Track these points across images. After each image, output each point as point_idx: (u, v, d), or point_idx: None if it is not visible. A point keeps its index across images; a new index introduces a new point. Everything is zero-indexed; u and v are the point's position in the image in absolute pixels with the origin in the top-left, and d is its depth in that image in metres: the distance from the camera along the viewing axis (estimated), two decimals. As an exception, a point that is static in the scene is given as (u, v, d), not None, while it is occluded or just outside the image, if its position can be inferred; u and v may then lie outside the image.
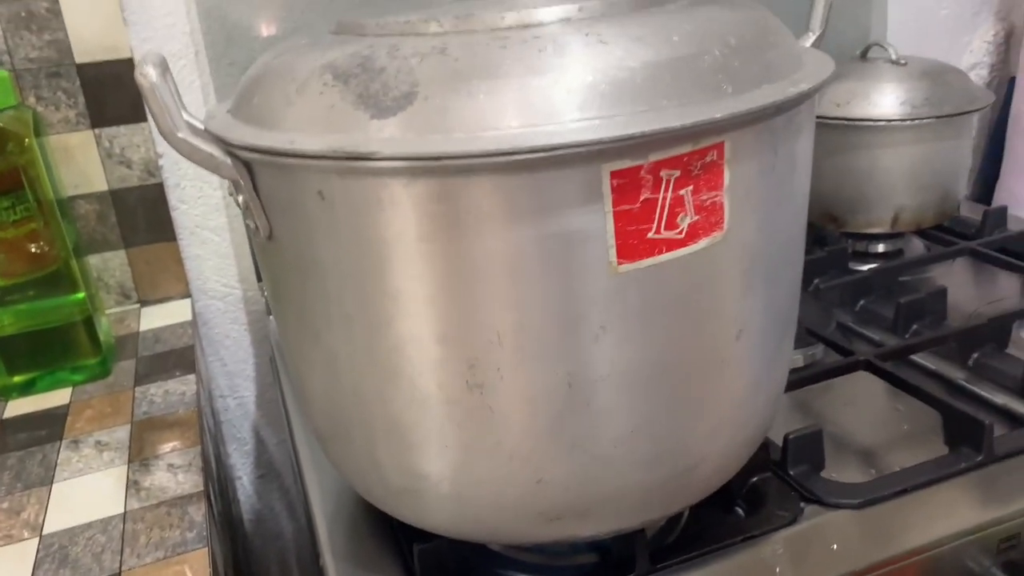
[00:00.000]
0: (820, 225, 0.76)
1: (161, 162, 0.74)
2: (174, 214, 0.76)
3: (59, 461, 0.54)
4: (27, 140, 0.59)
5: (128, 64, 0.69)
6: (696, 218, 0.33)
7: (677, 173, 0.32)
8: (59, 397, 0.62)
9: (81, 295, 0.64)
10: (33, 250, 0.63)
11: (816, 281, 0.70)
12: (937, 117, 0.68)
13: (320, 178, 0.32)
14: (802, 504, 0.45)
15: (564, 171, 0.30)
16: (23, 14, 0.66)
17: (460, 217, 0.31)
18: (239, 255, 0.79)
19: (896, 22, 0.96)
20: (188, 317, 0.74)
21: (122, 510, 0.49)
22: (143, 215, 0.74)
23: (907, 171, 0.71)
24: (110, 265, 0.75)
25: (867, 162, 0.71)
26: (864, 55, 0.76)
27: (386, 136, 0.31)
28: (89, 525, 0.48)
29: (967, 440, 0.48)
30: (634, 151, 0.30)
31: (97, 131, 0.71)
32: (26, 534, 0.48)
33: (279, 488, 0.90)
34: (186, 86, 0.72)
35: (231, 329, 0.82)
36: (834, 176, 0.73)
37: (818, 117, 0.67)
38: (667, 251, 0.33)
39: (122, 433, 0.57)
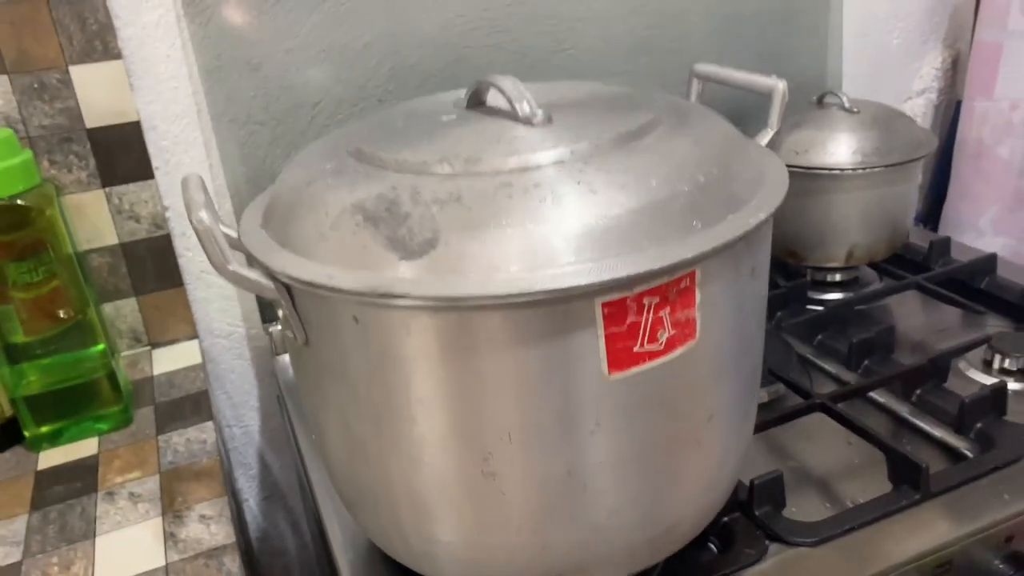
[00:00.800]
0: (782, 259, 0.83)
1: (167, 215, 0.78)
2: (181, 261, 0.81)
3: (98, 514, 0.59)
4: (49, 213, 0.63)
5: (135, 127, 0.74)
6: (673, 332, 0.39)
7: (657, 299, 0.38)
8: (87, 447, 0.67)
9: (102, 346, 0.69)
10: (55, 307, 0.67)
11: (779, 315, 0.77)
12: (886, 166, 0.75)
13: (355, 307, 0.38)
14: (767, 542, 0.52)
15: (563, 305, 0.36)
16: (36, 85, 0.70)
17: (475, 342, 0.37)
18: (242, 297, 0.84)
19: (851, 52, 1.02)
20: (197, 359, 0.79)
21: (163, 562, 0.55)
22: (152, 264, 0.79)
23: (860, 213, 0.78)
24: (122, 312, 0.79)
25: (823, 205, 0.78)
26: (820, 101, 0.82)
27: (413, 277, 0.36)
28: (136, 578, 0.53)
29: (907, 479, 0.55)
30: (622, 286, 0.36)
31: (107, 190, 0.75)
32: (79, 588, 0.53)
33: (283, 508, 0.95)
34: (190, 143, 0.77)
35: (236, 364, 0.87)
36: (794, 216, 0.80)
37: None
38: (650, 360, 0.39)
39: (152, 484, 0.62)
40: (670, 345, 0.39)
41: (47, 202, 0.64)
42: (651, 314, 0.38)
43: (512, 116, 0.43)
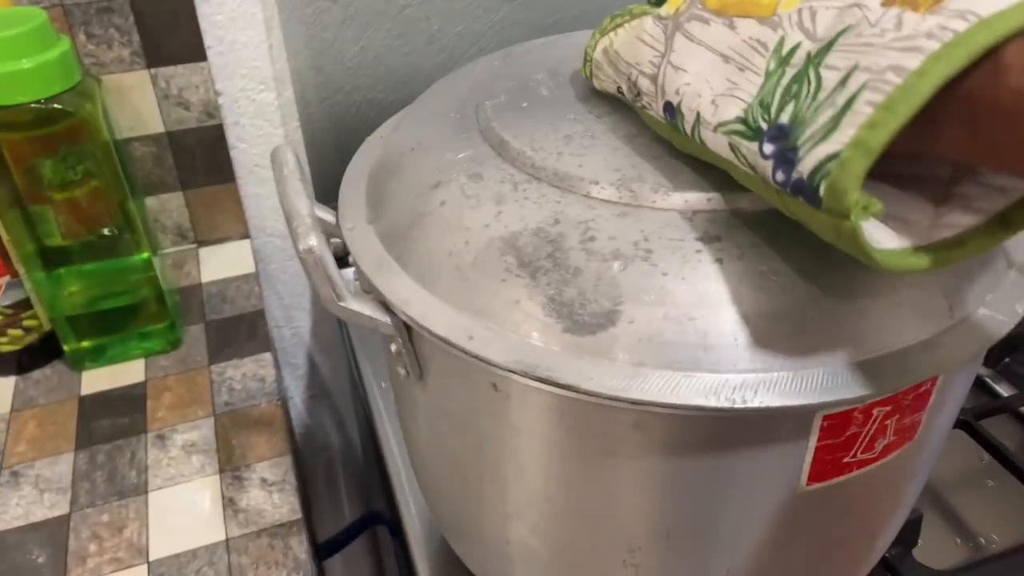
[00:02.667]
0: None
1: (220, 101, 0.68)
2: (233, 153, 0.71)
3: (149, 462, 0.54)
4: (90, 107, 0.53)
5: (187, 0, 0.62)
6: (893, 439, 0.31)
7: (889, 408, 0.29)
8: (134, 372, 0.61)
9: (146, 255, 0.61)
10: (94, 209, 0.59)
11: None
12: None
13: (499, 377, 0.30)
14: (894, 589, 0.47)
15: (778, 418, 0.28)
16: (69, -60, 0.57)
17: (645, 443, 0.29)
18: (299, 194, 0.75)
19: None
20: (248, 263, 0.72)
21: (223, 536, 0.50)
22: (201, 156, 0.69)
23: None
24: (167, 207, 0.71)
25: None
26: None
27: (582, 363, 0.28)
28: (195, 555, 0.49)
29: (1061, 532, 0.49)
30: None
31: (153, 71, 0.64)
32: (135, 559, 0.48)
33: (329, 406, 0.91)
34: (248, 19, 0.65)
35: (288, 265, 0.79)
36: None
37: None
38: (857, 469, 0.31)
39: (207, 430, 0.57)
40: (885, 452, 0.31)
41: (88, 98, 0.53)
42: (876, 423, 0.30)
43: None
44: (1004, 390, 0.60)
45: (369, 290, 0.32)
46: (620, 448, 0.29)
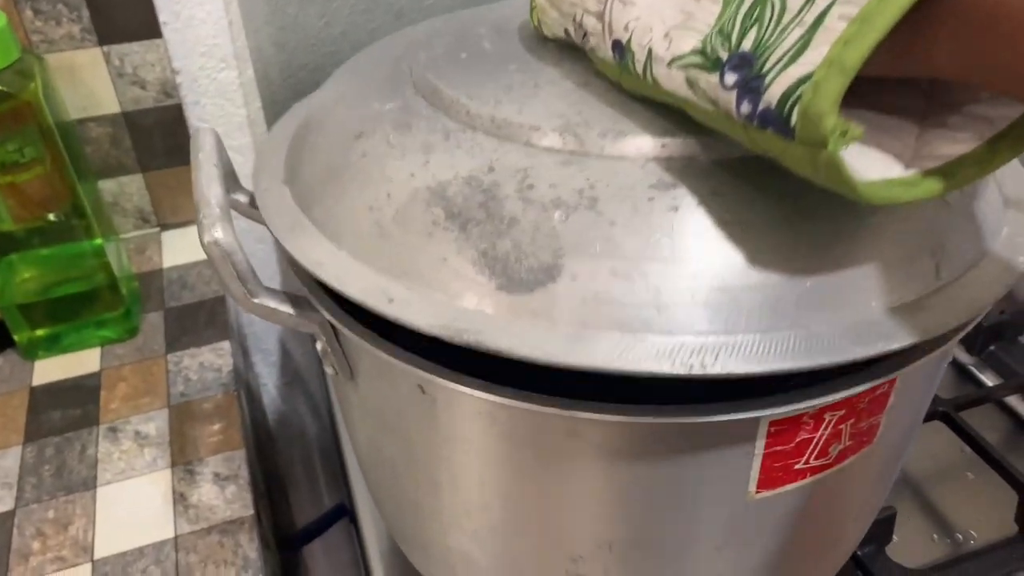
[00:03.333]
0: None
1: (179, 80, 0.65)
2: (194, 134, 0.68)
3: (99, 456, 0.52)
4: (32, 87, 0.51)
5: (138, -29, 0.59)
6: (849, 443, 0.29)
7: (843, 412, 0.27)
8: (89, 362, 0.59)
9: (98, 241, 0.59)
10: (44, 192, 0.57)
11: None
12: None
13: (425, 380, 0.28)
14: (866, 590, 0.45)
15: (721, 425, 0.26)
16: (10, -90, 0.55)
17: (586, 453, 0.27)
18: (265, 176, 0.73)
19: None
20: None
21: (172, 533, 0.48)
22: (160, 137, 0.67)
23: None
24: (127, 190, 0.68)
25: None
26: None
27: (517, 330, 0.25)
28: (142, 552, 0.47)
29: (1040, 529, 0.47)
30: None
31: (106, 48, 0.62)
32: (79, 558, 0.47)
33: (304, 393, 0.90)
34: (205, -6, 0.62)
35: (257, 249, 0.77)
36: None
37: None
38: (811, 476, 0.29)
39: (160, 421, 0.55)
40: (840, 457, 0.29)
41: (28, 77, 0.51)
42: (829, 428, 0.27)
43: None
44: (989, 379, 0.58)
45: (294, 267, 0.30)
46: (555, 456, 0.27)
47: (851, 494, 0.32)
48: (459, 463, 0.29)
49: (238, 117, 0.69)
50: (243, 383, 0.64)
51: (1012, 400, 0.56)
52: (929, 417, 0.52)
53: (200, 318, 0.63)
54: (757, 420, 0.26)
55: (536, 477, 0.28)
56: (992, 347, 0.59)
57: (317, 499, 0.98)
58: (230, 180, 0.33)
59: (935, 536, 0.49)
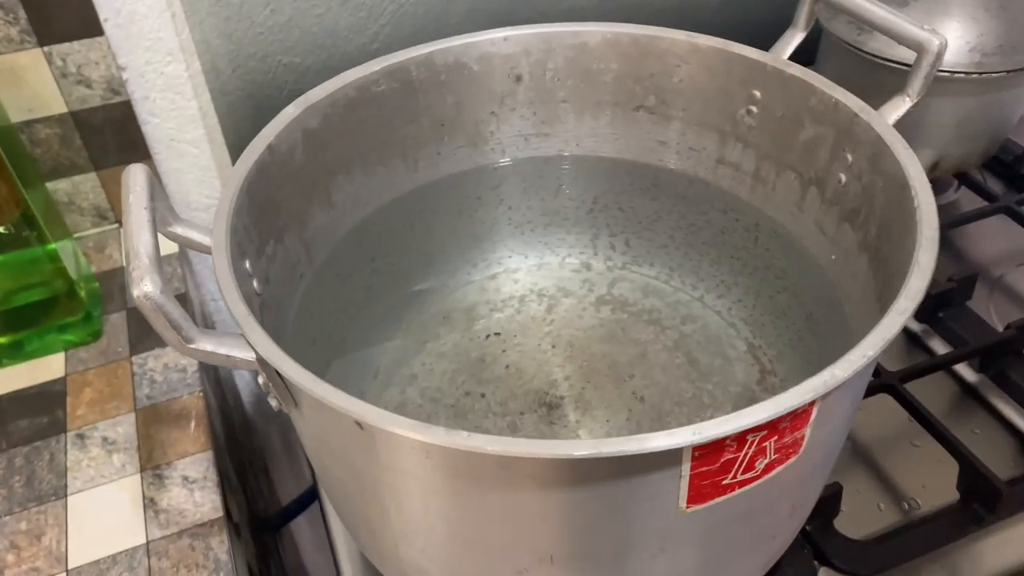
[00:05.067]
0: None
1: (125, 76, 0.64)
2: (146, 128, 0.68)
3: (68, 464, 0.53)
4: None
5: (72, -32, 0.58)
6: (775, 457, 0.30)
7: (764, 432, 0.28)
8: (54, 368, 0.59)
9: (51, 246, 0.59)
10: (-6, 200, 0.56)
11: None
12: (1009, 72, 0.61)
13: (360, 416, 0.28)
14: (815, 563, 0.47)
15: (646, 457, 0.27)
16: (-67, -86, 0.53)
17: (519, 483, 0.28)
18: (221, 166, 0.72)
19: None
20: (172, 245, 0.69)
21: (144, 540, 0.49)
22: (111, 134, 0.66)
23: (958, 121, 0.65)
24: (81, 189, 0.68)
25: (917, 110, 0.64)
26: (937, -31, 0.66)
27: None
28: (115, 560, 0.48)
29: (979, 498, 0.49)
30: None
31: (47, 49, 0.60)
32: (54, 568, 0.48)
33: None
34: (145, -12, 0.61)
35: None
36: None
37: (872, 56, 0.59)
38: (739, 488, 0.30)
39: (128, 426, 0.55)
40: (768, 469, 0.30)
41: (-37, 92, 0.50)
42: (753, 447, 0.29)
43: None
44: (938, 346, 0.60)
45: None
46: (492, 486, 0.28)
47: (784, 496, 0.33)
48: (401, 490, 0.31)
49: (190, 110, 0.68)
50: (212, 373, 0.65)
51: (959, 368, 0.58)
52: (874, 390, 0.54)
53: (163, 317, 0.63)
54: (680, 450, 0.27)
55: (475, 504, 0.29)
56: (941, 314, 0.61)
57: (299, 474, 1.00)
58: (166, 215, 0.33)
59: (881, 505, 0.51)
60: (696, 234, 0.51)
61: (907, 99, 0.39)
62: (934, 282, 0.51)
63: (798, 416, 0.29)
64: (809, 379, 0.27)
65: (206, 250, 0.34)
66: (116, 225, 0.71)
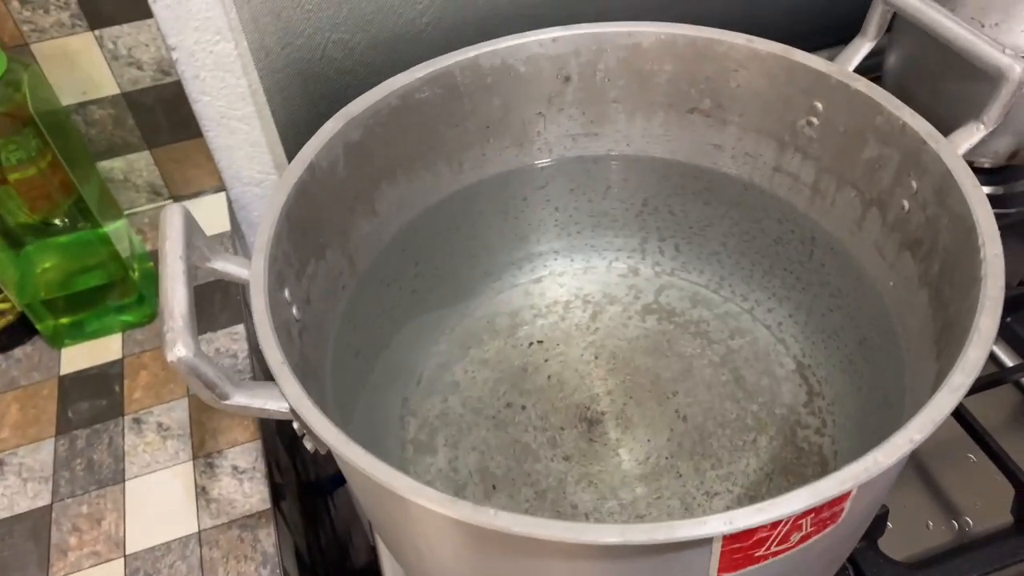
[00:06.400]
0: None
1: (175, 55, 0.64)
2: (196, 107, 0.68)
3: (126, 448, 0.55)
4: (21, 94, 0.51)
5: (120, -48, 0.57)
6: (811, 530, 0.29)
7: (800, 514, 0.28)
8: (111, 349, 0.61)
9: (103, 231, 0.60)
10: (51, 185, 0.58)
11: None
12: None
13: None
14: (854, 584, 0.46)
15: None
16: (-18, -99, 0.53)
17: (548, 553, 0.28)
18: (271, 143, 0.72)
19: None
20: (224, 223, 0.70)
21: (196, 528, 0.51)
22: (163, 114, 0.67)
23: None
24: (135, 166, 0.69)
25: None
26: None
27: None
28: (169, 548, 0.50)
29: (1035, 526, 0.47)
30: (755, 516, 0.26)
31: (97, 32, 0.60)
32: (113, 553, 0.50)
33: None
34: (192, -32, 0.60)
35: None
36: (946, 96, 0.62)
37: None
38: (772, 558, 0.30)
39: (181, 412, 0.57)
40: (803, 540, 0.30)
41: (15, 87, 0.51)
42: (788, 526, 0.28)
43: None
44: (1004, 353, 0.57)
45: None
46: (519, 557, 0.28)
47: (821, 556, 0.32)
48: (433, 541, 0.31)
49: (240, 88, 0.68)
50: (262, 357, 0.66)
51: (1024, 380, 0.55)
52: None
53: (215, 299, 0.64)
54: (710, 539, 0.26)
55: (505, 566, 0.29)
56: (1009, 319, 0.58)
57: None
58: (204, 252, 0.33)
59: (930, 523, 0.50)
60: (749, 243, 0.49)
61: (981, 127, 0.36)
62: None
63: (836, 498, 0.28)
64: (849, 465, 0.26)
65: (244, 282, 0.34)
66: (170, 201, 0.72)
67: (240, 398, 0.29)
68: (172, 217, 0.31)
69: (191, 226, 0.31)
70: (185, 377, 0.28)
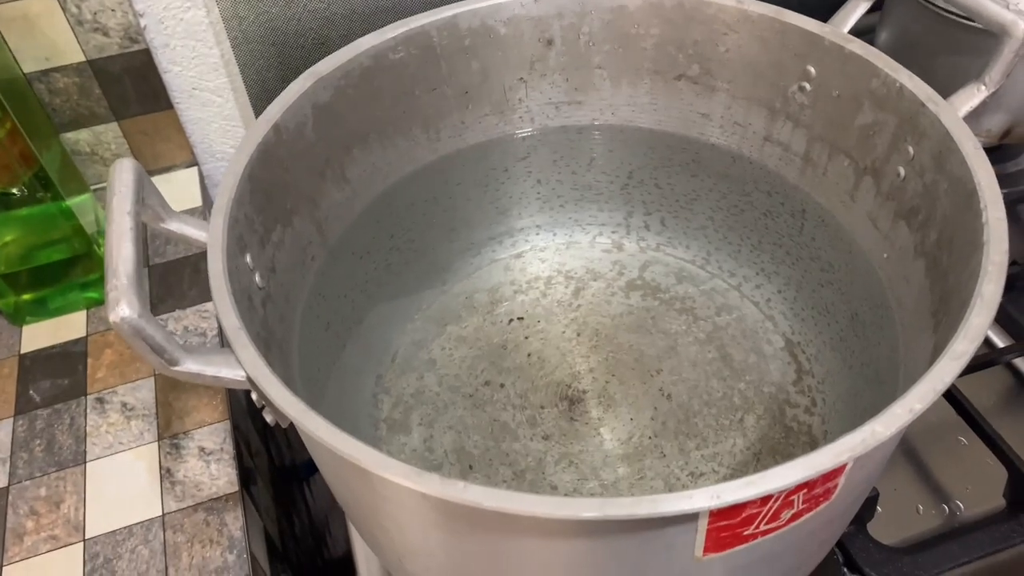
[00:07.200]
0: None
1: (143, 22, 0.61)
2: (166, 77, 0.65)
3: (88, 429, 0.53)
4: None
5: (83, -90, 0.54)
6: (803, 507, 0.27)
7: (792, 489, 0.26)
8: (75, 327, 0.59)
9: (66, 204, 0.57)
10: (11, 154, 0.55)
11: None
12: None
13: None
14: (846, 570, 0.45)
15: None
16: None
17: (522, 531, 0.26)
18: (245, 116, 0.70)
19: None
20: (196, 198, 0.68)
21: (160, 512, 0.49)
22: (131, 83, 0.64)
23: (1041, 86, 0.59)
24: (103, 139, 0.66)
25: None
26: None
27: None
28: (131, 532, 0.48)
29: (1028, 509, 0.46)
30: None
31: (60, -5, 0.58)
32: (71, 536, 0.48)
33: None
34: (160, -71, 0.57)
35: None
36: (940, 70, 0.60)
37: (946, 11, 0.53)
38: (761, 537, 0.28)
39: (146, 392, 0.55)
40: (794, 519, 0.28)
41: (-29, 49, 0.48)
42: (779, 503, 0.26)
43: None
44: (995, 334, 0.56)
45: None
46: (491, 533, 0.26)
47: (811, 536, 0.31)
48: (400, 518, 0.29)
49: (211, 58, 0.65)
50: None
51: (1019, 361, 0.54)
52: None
53: (184, 276, 0.62)
54: (696, 515, 0.24)
55: (476, 547, 0.28)
56: (1001, 299, 0.56)
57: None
58: (158, 211, 0.31)
59: (920, 507, 0.49)
60: (737, 216, 0.47)
61: (983, 88, 0.34)
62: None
63: (831, 471, 0.26)
64: (846, 436, 0.24)
65: (202, 247, 0.32)
66: (140, 176, 0.69)
67: (191, 364, 0.27)
68: (122, 172, 0.29)
69: (143, 182, 0.29)
70: (130, 340, 0.26)
